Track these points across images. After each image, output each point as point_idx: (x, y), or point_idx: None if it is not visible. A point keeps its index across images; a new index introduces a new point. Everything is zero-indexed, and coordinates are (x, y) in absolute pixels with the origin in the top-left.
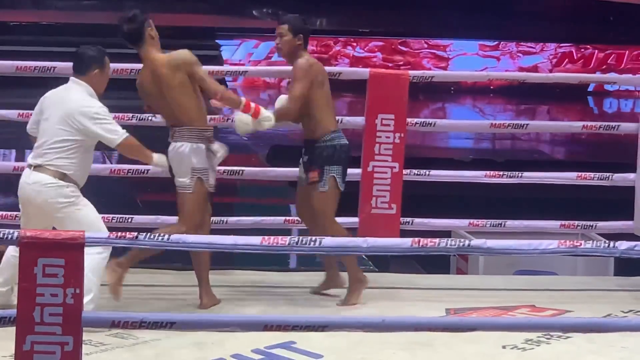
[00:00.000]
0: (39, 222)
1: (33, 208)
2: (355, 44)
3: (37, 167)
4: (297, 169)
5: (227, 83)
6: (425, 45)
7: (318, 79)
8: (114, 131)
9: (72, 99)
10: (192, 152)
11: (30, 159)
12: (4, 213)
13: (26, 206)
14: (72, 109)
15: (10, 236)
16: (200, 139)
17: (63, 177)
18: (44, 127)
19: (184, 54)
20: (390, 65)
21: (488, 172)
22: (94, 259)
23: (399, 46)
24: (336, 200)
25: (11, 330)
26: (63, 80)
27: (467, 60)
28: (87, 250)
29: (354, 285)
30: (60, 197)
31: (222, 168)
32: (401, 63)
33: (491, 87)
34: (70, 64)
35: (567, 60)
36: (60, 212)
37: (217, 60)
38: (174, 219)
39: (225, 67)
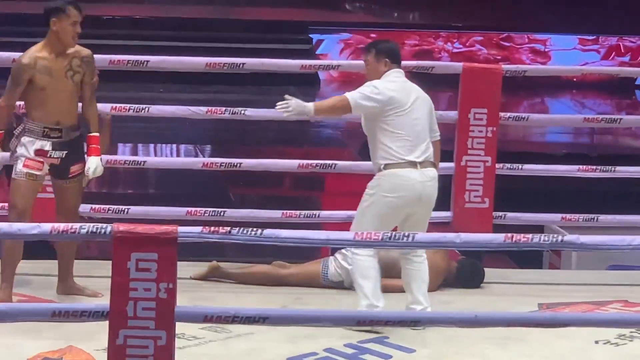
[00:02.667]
0: (420, 220)
1: (424, 206)
2: (454, 39)
3: (422, 164)
4: None
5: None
6: (526, 40)
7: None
8: None
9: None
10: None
11: (412, 157)
12: (97, 206)
13: (414, 205)
14: (430, 102)
15: (103, 231)
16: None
17: None
18: (416, 123)
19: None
20: (490, 59)
21: (581, 167)
22: (362, 261)
23: (500, 41)
24: None
25: (104, 324)
26: (154, 74)
27: (566, 55)
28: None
29: None
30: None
31: (315, 162)
32: (500, 58)
33: (589, 82)
34: (163, 58)
35: None
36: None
37: (309, 54)
38: (265, 212)
39: (318, 62)
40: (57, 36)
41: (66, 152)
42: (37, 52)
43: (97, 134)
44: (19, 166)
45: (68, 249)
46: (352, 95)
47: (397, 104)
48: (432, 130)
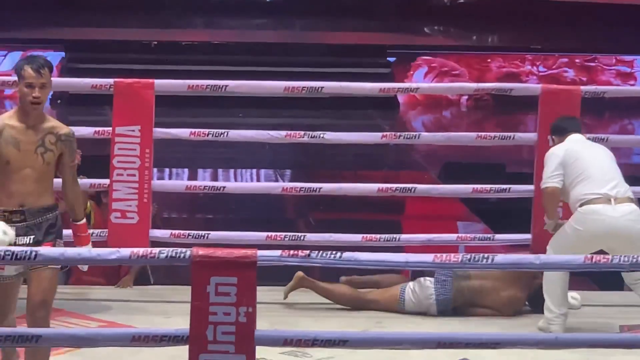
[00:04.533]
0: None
1: (622, 240)
2: (539, 62)
3: (620, 200)
4: (468, 186)
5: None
6: (613, 62)
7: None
8: None
9: None
10: None
11: (609, 192)
12: (177, 232)
13: (607, 240)
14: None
15: (182, 255)
16: None
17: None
18: (602, 168)
19: None
20: (576, 81)
21: None
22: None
23: (585, 62)
24: None
25: (184, 349)
26: (233, 99)
27: None
28: None
29: None
30: None
31: (394, 186)
32: (585, 80)
33: None
34: (242, 82)
35: None
36: None
37: (389, 77)
38: (345, 236)
39: (396, 85)
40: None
41: (33, 236)
42: (7, 119)
43: (82, 222)
44: None
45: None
46: None
47: None
48: None
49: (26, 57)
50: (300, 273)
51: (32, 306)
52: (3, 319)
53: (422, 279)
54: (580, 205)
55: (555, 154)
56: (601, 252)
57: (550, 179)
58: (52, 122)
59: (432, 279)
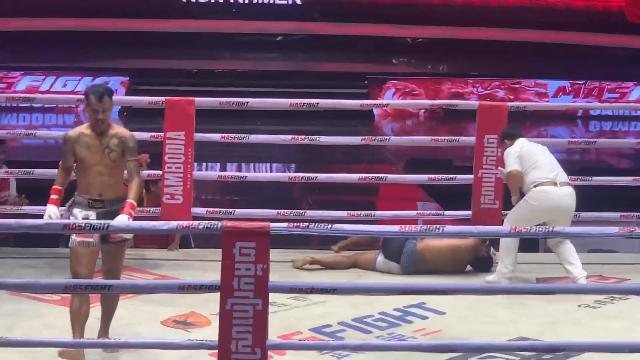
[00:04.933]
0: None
1: (563, 214)
2: (478, 84)
3: (562, 184)
4: (425, 176)
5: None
6: (533, 84)
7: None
8: None
9: None
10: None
11: (554, 178)
12: (212, 209)
13: (553, 213)
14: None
15: (215, 226)
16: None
17: None
18: (547, 160)
19: None
20: (506, 99)
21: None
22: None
23: (512, 85)
24: None
25: (216, 295)
26: (252, 112)
27: (563, 96)
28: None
29: None
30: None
31: (371, 175)
32: (512, 98)
33: (577, 115)
34: (259, 100)
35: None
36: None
37: (366, 96)
38: (335, 212)
39: (372, 101)
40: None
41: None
42: (83, 128)
43: (131, 201)
44: (73, 236)
45: (109, 306)
46: None
47: None
48: None
49: (91, 86)
50: (308, 258)
51: (104, 272)
52: (90, 272)
53: (389, 262)
54: (535, 187)
55: (514, 150)
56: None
57: (512, 165)
58: (116, 130)
59: (397, 265)
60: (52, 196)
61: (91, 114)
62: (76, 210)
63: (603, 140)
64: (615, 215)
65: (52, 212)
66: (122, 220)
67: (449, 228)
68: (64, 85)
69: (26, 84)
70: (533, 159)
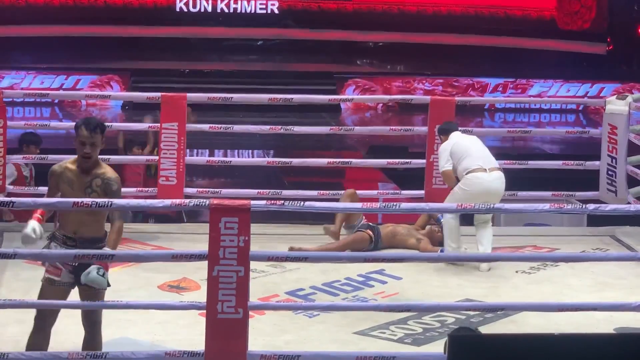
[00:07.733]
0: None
1: (493, 196)
2: (424, 81)
3: (492, 169)
4: (384, 160)
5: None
6: (471, 82)
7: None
8: None
9: None
10: None
11: (484, 164)
12: (201, 189)
13: (484, 196)
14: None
15: (204, 203)
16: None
17: None
18: (478, 149)
19: None
20: (446, 94)
21: (506, 161)
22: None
23: (453, 82)
24: None
25: (204, 263)
26: (236, 106)
27: (498, 92)
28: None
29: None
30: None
31: (338, 160)
32: (454, 93)
33: (510, 107)
34: (242, 95)
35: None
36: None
37: (334, 92)
38: (307, 192)
39: (339, 97)
40: None
41: (78, 262)
42: (68, 163)
43: (106, 249)
44: (43, 271)
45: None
46: None
47: None
48: None
49: (84, 118)
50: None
51: (82, 314)
52: (46, 319)
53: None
54: (467, 174)
55: (446, 149)
56: None
57: (445, 165)
58: (103, 169)
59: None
60: (36, 215)
61: (79, 148)
62: (52, 245)
63: (537, 130)
64: (547, 194)
65: (35, 226)
66: (91, 272)
67: (405, 205)
68: (77, 82)
69: (40, 81)
70: (464, 149)
